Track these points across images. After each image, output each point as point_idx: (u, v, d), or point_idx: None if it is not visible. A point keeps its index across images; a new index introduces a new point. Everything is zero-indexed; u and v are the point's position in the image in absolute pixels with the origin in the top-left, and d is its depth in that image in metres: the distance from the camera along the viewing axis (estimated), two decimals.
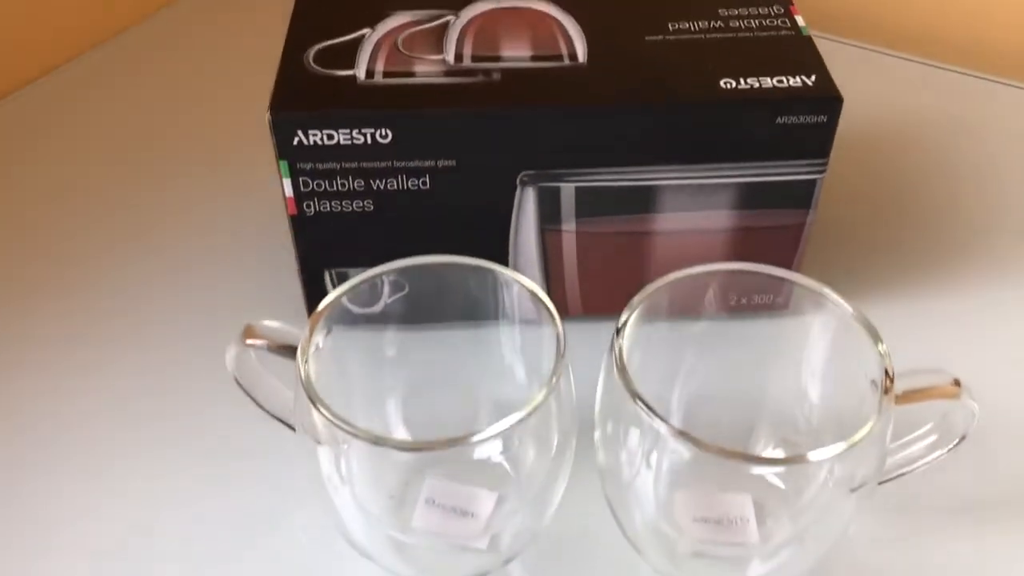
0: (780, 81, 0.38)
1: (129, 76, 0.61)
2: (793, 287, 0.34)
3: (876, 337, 0.31)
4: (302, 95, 0.37)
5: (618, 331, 0.31)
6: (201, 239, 0.49)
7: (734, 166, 0.39)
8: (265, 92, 0.38)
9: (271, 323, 0.33)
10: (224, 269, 0.47)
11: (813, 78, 0.38)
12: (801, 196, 0.40)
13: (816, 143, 0.39)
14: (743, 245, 0.42)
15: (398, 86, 0.38)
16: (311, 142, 0.37)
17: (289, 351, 0.32)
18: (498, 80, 0.38)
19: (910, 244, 0.49)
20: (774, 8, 0.42)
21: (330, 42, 0.40)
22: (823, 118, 0.38)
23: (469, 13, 0.42)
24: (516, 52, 0.40)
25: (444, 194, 0.39)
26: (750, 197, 0.40)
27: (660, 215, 0.40)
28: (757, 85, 0.38)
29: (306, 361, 0.31)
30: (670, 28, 0.41)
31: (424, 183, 0.39)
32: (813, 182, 0.40)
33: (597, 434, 0.32)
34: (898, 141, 0.55)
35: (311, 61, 0.39)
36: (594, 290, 0.43)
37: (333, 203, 0.39)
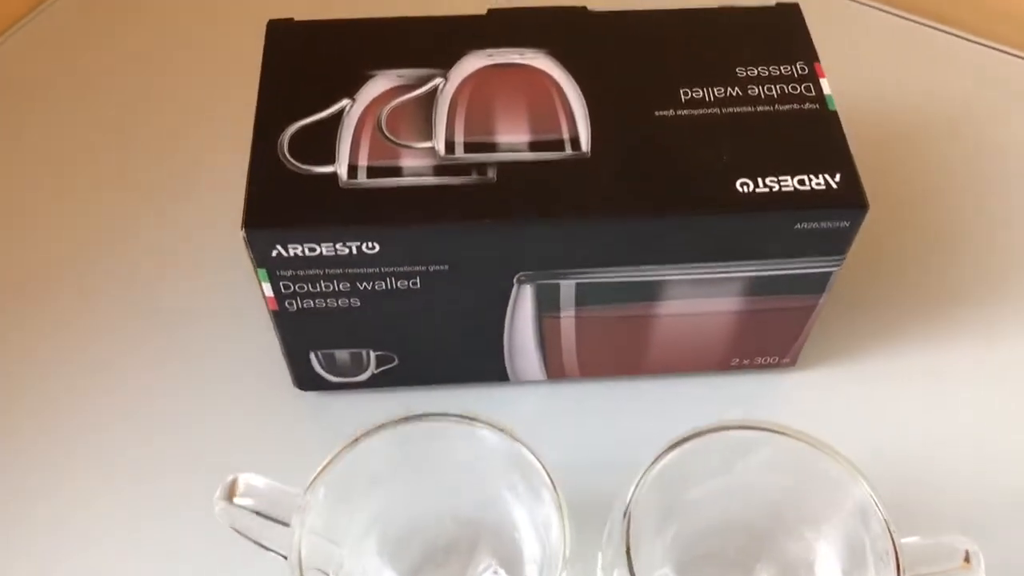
0: (802, 182, 0.35)
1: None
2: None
3: (891, 531, 0.30)
4: (279, 204, 0.34)
5: (625, 514, 0.30)
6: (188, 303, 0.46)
7: (746, 264, 0.36)
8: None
9: (258, 481, 0.32)
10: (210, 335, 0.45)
11: (838, 178, 0.35)
12: (815, 284, 0.38)
13: (836, 244, 0.36)
14: (748, 325, 0.40)
15: (385, 190, 0.34)
16: (291, 254, 0.34)
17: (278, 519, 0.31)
18: (493, 181, 0.35)
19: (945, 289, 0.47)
20: (798, 67, 0.38)
21: (306, 121, 0.36)
22: (845, 224, 0.35)
23: (459, 75, 0.38)
24: (513, 136, 0.36)
25: (435, 293, 0.37)
26: (760, 287, 0.38)
27: (664, 303, 0.38)
28: (776, 188, 0.35)
29: (299, 540, 0.30)
30: (683, 97, 0.37)
31: (414, 283, 0.36)
32: (829, 273, 0.37)
33: None
34: (940, 151, 0.52)
35: (286, 152, 0.35)
36: (593, 360, 0.41)
37: (317, 301, 0.37)
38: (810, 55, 0.39)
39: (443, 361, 0.41)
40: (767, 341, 0.41)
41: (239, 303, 0.44)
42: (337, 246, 0.34)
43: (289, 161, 0.35)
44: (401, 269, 0.35)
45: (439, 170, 0.35)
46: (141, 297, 0.46)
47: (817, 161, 0.35)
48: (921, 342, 0.44)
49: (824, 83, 0.38)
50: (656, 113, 0.37)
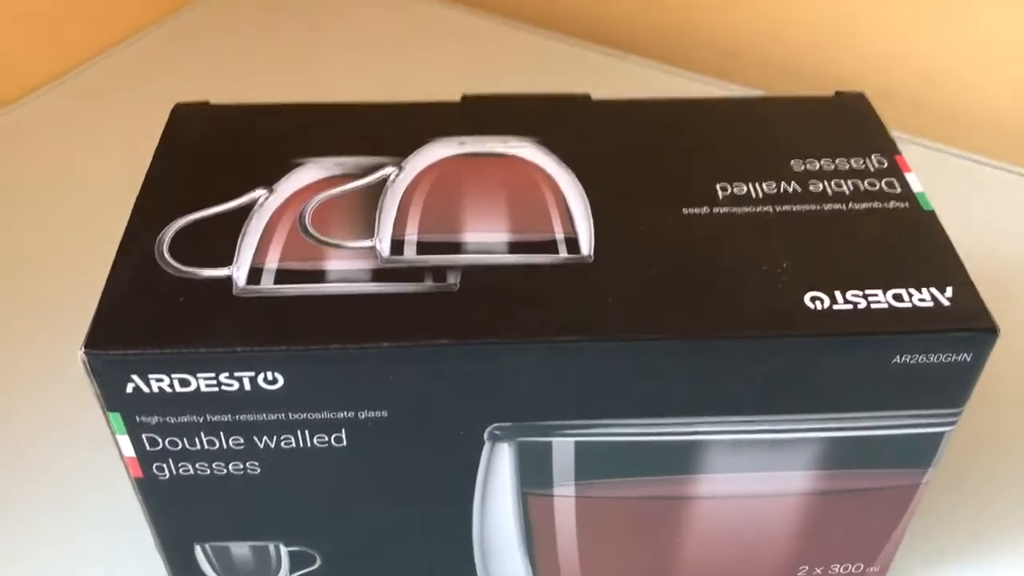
0: (898, 297, 0.24)
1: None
2: None
3: None
4: (141, 318, 0.24)
5: None
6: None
7: (819, 419, 0.25)
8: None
9: None
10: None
11: (950, 292, 0.24)
12: (918, 452, 0.26)
13: (951, 389, 0.25)
14: (821, 515, 0.28)
15: (296, 300, 0.24)
16: (155, 389, 0.23)
17: None
18: (455, 289, 0.24)
19: None
20: (873, 160, 0.28)
21: (200, 215, 0.26)
22: (966, 356, 0.24)
23: (418, 164, 0.28)
24: (486, 235, 0.26)
25: (370, 455, 0.25)
26: (839, 455, 0.26)
27: (702, 478, 0.27)
28: (864, 305, 0.24)
29: None
30: (720, 193, 0.27)
31: (339, 439, 0.25)
32: (939, 435, 0.26)
33: None
34: None
35: (165, 252, 0.25)
36: (603, 565, 0.29)
37: (199, 465, 0.25)
38: (888, 147, 0.29)
39: (387, 563, 0.29)
40: (847, 540, 0.29)
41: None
42: (222, 378, 0.23)
43: (168, 263, 0.25)
44: (319, 416, 0.24)
45: (380, 275, 0.25)
46: None
47: (917, 271, 0.25)
48: None
49: (912, 178, 0.28)
50: (684, 211, 0.27)
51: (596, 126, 0.30)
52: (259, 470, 0.25)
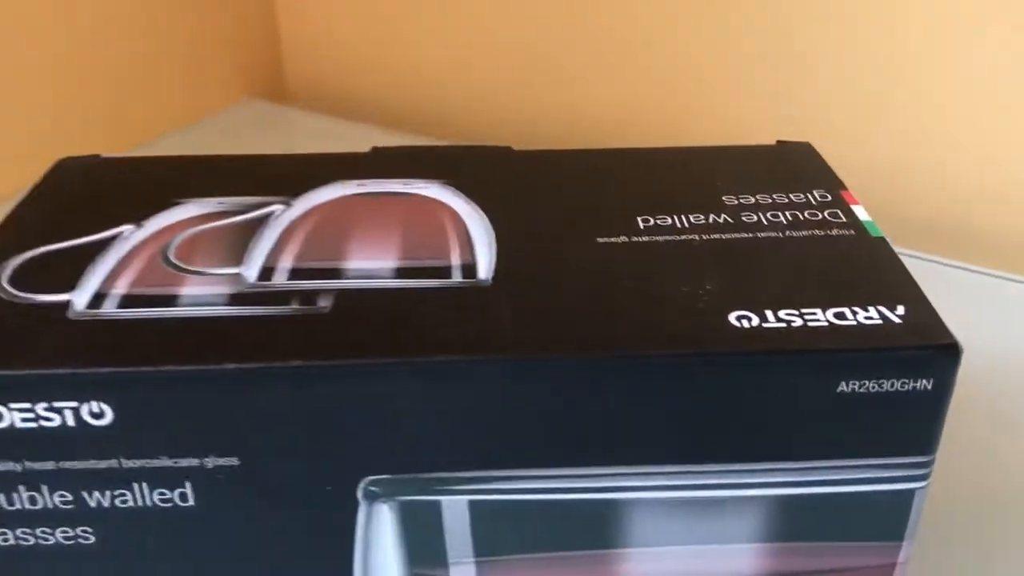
0: (841, 315, 0.21)
1: None
2: None
3: None
4: None
5: None
6: None
7: (762, 469, 0.21)
8: None
9: None
10: None
11: (901, 309, 0.21)
12: (887, 519, 0.22)
13: (914, 428, 0.21)
14: None
15: (136, 323, 0.21)
16: None
17: None
18: (326, 312, 0.21)
19: None
20: (815, 195, 0.25)
21: (55, 247, 0.23)
22: (926, 383, 0.20)
23: (309, 201, 0.25)
24: (372, 261, 0.23)
25: (222, 515, 0.21)
26: (793, 522, 0.22)
27: (631, 551, 0.22)
28: (799, 323, 0.20)
29: None
30: (641, 224, 0.24)
31: (184, 496, 0.21)
32: (909, 495, 0.22)
33: None
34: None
35: (4, 280, 0.22)
36: None
37: (20, 533, 0.21)
38: (832, 184, 0.26)
39: None
40: None
41: None
42: (40, 410, 0.20)
43: (5, 290, 0.22)
44: (157, 464, 0.20)
45: (239, 299, 0.21)
46: None
47: (863, 290, 0.22)
48: None
49: (859, 210, 0.25)
50: (599, 240, 0.24)
51: (514, 171, 0.27)
52: (92, 539, 0.21)
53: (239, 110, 0.58)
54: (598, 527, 0.22)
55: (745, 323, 0.20)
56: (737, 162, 0.27)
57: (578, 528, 0.22)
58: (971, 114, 0.46)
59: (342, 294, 0.22)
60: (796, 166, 0.27)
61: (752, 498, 0.21)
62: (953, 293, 0.41)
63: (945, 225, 0.49)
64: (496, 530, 0.22)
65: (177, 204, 0.25)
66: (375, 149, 0.28)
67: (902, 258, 0.23)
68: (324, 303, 0.21)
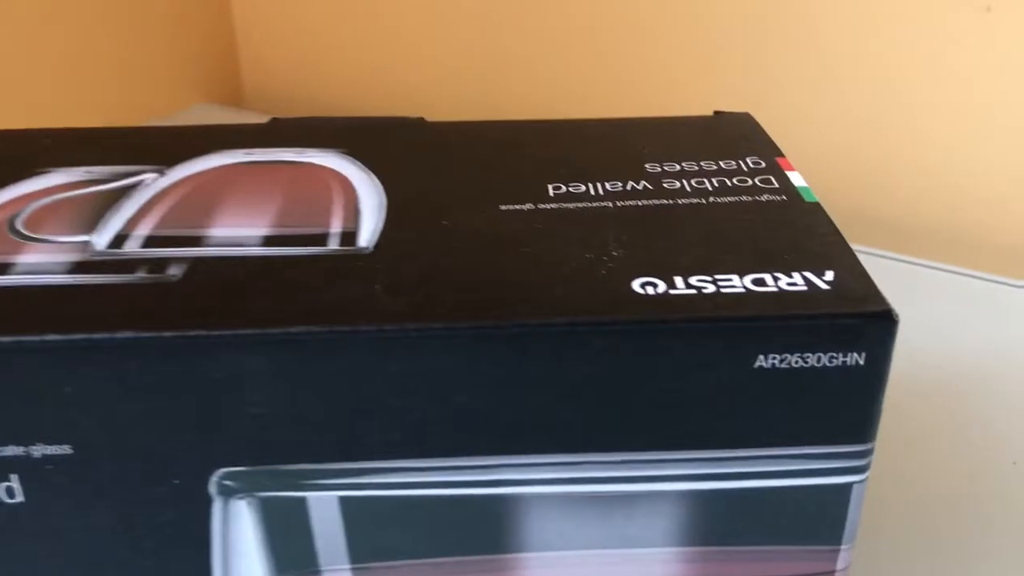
0: (760, 282, 0.18)
1: None
2: None
3: None
4: None
5: None
6: None
7: (667, 459, 0.18)
8: None
9: None
10: None
11: (830, 275, 0.18)
12: (823, 519, 0.19)
13: (846, 410, 0.18)
14: None
15: None
16: None
17: None
18: (174, 280, 0.19)
19: None
20: (747, 161, 0.23)
21: None
22: (857, 357, 0.18)
23: (185, 170, 0.23)
24: (240, 229, 0.20)
25: (56, 516, 0.18)
26: (716, 522, 0.19)
27: (530, 556, 0.19)
28: (711, 290, 0.18)
29: None
30: (551, 192, 0.22)
31: (11, 492, 0.18)
32: (846, 489, 0.19)
33: None
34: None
35: None
36: None
37: None
38: (768, 151, 0.24)
39: None
40: None
41: None
42: None
43: None
44: None
45: (81, 268, 0.19)
46: None
47: (788, 256, 0.19)
48: None
49: (795, 176, 0.22)
50: (502, 207, 0.21)
51: (422, 141, 0.25)
52: None
53: (192, 113, 0.55)
54: (489, 528, 0.19)
55: (650, 290, 0.18)
56: (668, 132, 0.25)
57: (467, 529, 0.19)
58: (937, 103, 0.44)
59: (198, 262, 0.19)
60: (731, 135, 0.25)
61: (661, 494, 0.19)
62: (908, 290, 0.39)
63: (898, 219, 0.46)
64: (373, 532, 0.19)
65: (41, 173, 0.23)
66: (274, 120, 0.26)
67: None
68: (175, 271, 0.19)
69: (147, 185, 0.22)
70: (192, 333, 0.17)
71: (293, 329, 0.17)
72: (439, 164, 0.23)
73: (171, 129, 0.26)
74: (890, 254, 0.41)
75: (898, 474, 0.29)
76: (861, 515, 0.19)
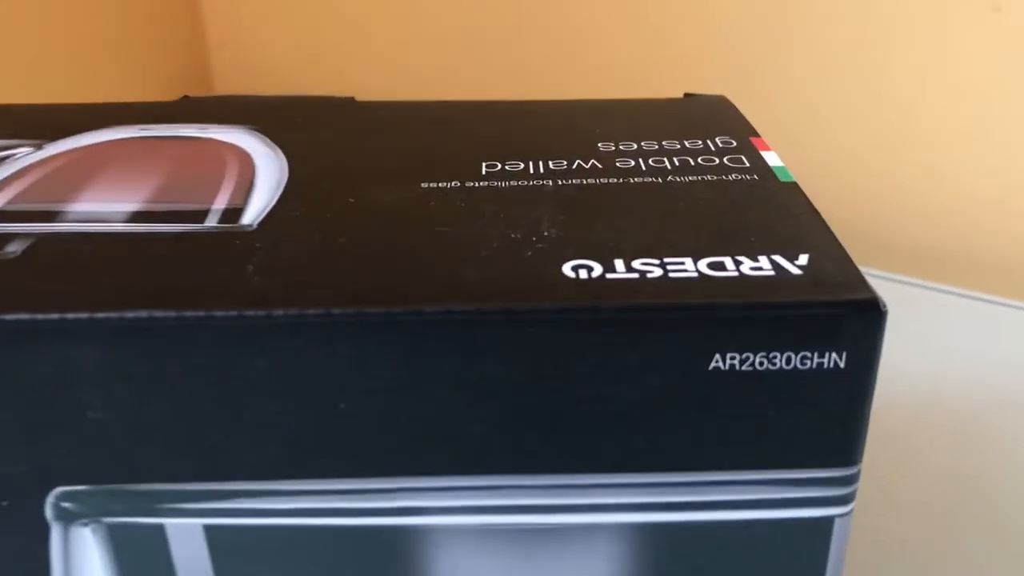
0: (718, 267, 0.15)
1: None
2: None
3: None
4: None
5: None
6: None
7: (610, 482, 0.15)
8: None
9: None
10: None
11: (803, 259, 0.15)
12: (798, 560, 0.16)
13: (824, 427, 0.15)
14: None
15: None
16: None
17: None
18: (11, 258, 0.15)
19: None
20: (716, 141, 0.20)
21: None
22: (837, 359, 0.14)
23: (66, 145, 0.20)
24: (108, 204, 0.17)
25: None
26: (662, 564, 0.16)
27: None
28: (657, 274, 0.15)
29: None
30: (484, 170, 0.18)
31: None
32: (825, 525, 0.15)
33: None
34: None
35: None
36: None
37: None
38: (742, 131, 0.20)
39: None
40: None
41: None
42: None
43: None
44: None
45: None
46: None
47: (755, 238, 0.16)
48: None
49: (770, 156, 0.19)
50: (424, 185, 0.18)
51: (347, 119, 0.21)
52: None
53: None
54: (387, 568, 0.15)
55: (583, 273, 0.15)
56: (629, 112, 0.22)
57: (360, 569, 0.15)
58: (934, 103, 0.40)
59: (45, 239, 0.16)
60: (702, 116, 0.21)
61: (598, 527, 0.15)
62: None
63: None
64: (248, 568, 0.15)
65: None
66: (184, 97, 0.23)
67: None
68: (14, 248, 0.16)
69: (15, 159, 0.19)
70: (11, 317, 0.14)
71: (131, 314, 0.14)
72: (360, 142, 0.20)
73: (72, 106, 0.23)
74: (895, 275, 0.38)
75: (890, 501, 0.26)
76: (846, 556, 0.16)
